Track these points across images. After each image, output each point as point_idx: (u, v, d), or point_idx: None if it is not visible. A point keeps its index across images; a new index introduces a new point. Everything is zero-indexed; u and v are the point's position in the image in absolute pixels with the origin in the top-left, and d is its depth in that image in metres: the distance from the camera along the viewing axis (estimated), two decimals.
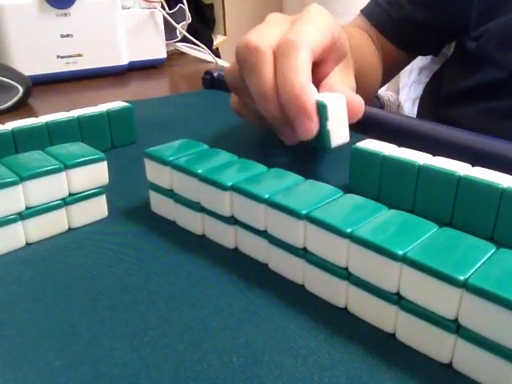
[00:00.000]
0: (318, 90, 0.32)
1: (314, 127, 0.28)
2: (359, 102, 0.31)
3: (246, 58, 0.30)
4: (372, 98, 0.59)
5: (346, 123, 0.30)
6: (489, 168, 0.26)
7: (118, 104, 0.39)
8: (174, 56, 0.83)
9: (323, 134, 0.29)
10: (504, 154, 0.31)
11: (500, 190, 0.25)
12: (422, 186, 0.27)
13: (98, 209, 0.29)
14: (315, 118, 0.28)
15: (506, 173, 0.26)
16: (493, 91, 0.51)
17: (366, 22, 0.60)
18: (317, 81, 0.32)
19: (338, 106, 0.29)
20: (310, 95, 0.28)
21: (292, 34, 0.29)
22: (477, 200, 0.25)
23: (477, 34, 0.51)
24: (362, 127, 0.39)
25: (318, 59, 0.31)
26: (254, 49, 0.29)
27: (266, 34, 0.30)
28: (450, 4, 0.53)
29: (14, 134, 0.33)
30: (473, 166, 0.27)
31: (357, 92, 0.35)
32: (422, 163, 0.27)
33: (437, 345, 0.18)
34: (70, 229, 0.28)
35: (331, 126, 0.29)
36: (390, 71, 0.64)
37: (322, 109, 0.28)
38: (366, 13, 0.61)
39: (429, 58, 0.71)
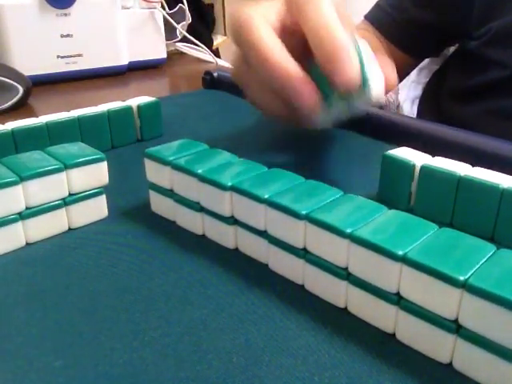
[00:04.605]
0: None
1: (355, 70, 0.25)
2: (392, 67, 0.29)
3: (240, 30, 0.28)
4: None
5: (379, 76, 0.27)
6: (489, 168, 0.26)
7: (118, 104, 0.39)
8: (174, 56, 0.82)
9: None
10: (504, 154, 0.31)
11: (500, 189, 0.25)
12: (422, 186, 0.27)
13: (98, 209, 0.28)
14: (355, 60, 0.25)
15: (506, 173, 0.26)
16: (495, 91, 0.50)
17: (370, 27, 0.59)
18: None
19: (368, 51, 0.26)
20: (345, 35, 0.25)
21: None
22: (477, 200, 0.25)
23: (478, 33, 0.50)
24: (361, 127, 0.39)
25: None
26: (246, 19, 0.28)
27: (256, 7, 0.29)
28: (453, 4, 0.53)
29: (14, 134, 0.33)
30: (473, 166, 0.27)
31: None
32: (421, 164, 0.27)
33: (437, 345, 0.18)
34: (70, 229, 0.28)
35: (368, 71, 0.25)
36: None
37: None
38: (369, 17, 0.60)
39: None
